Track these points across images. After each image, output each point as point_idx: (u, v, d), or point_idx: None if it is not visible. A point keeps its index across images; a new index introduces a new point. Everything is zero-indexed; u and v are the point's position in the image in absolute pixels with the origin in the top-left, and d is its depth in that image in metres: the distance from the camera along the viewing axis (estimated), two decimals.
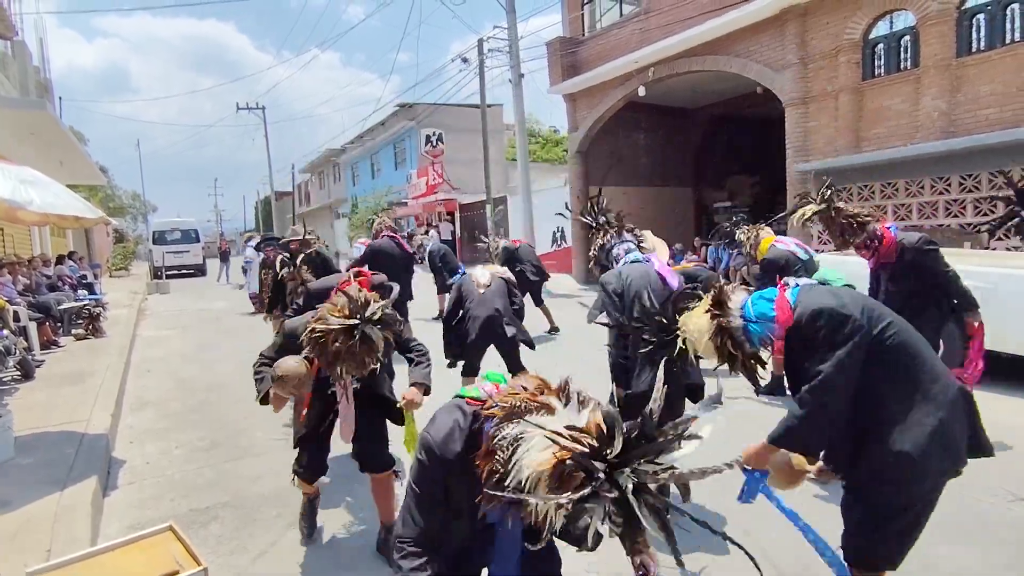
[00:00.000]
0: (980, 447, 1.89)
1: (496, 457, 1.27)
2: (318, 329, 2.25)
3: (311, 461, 2.89)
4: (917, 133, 8.34)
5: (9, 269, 8.17)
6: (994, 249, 7.18)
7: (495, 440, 1.30)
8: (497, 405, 1.37)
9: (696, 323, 2.06)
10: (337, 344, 2.22)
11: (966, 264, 5.29)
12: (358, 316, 2.27)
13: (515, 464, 1.22)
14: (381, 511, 2.90)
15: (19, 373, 6.06)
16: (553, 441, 1.17)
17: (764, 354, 2.05)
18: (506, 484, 1.22)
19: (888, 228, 3.66)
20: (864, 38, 8.88)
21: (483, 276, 4.58)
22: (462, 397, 1.54)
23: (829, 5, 9.10)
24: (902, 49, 8.60)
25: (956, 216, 8.16)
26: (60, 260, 12.09)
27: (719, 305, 2.02)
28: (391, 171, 27.86)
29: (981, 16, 7.80)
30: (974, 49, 7.87)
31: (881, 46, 8.83)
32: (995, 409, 4.02)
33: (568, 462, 1.15)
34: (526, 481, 1.18)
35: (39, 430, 4.39)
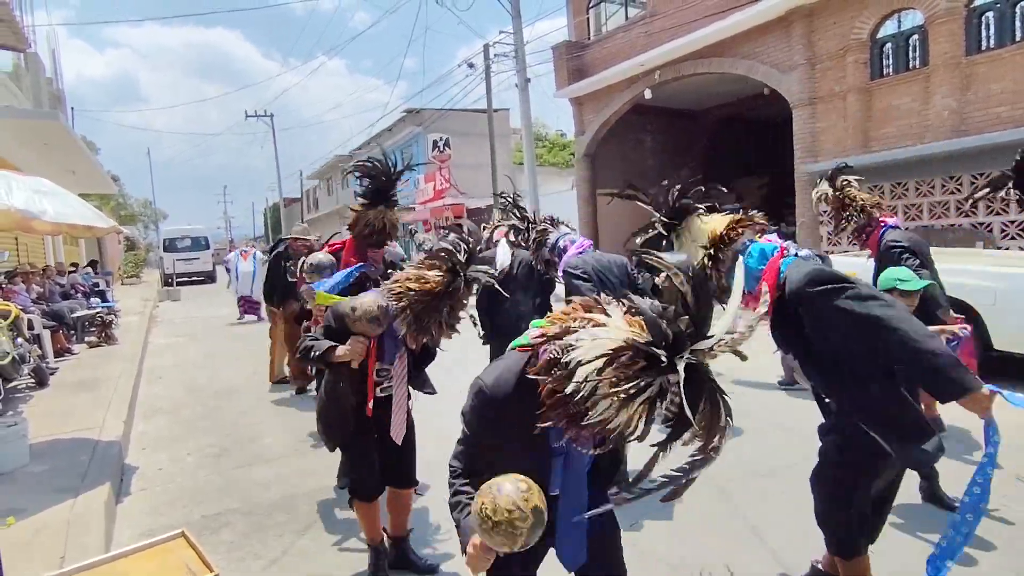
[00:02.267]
0: None
1: (554, 370, 1.27)
2: (413, 285, 2.10)
3: (366, 473, 2.60)
4: (927, 132, 8.27)
5: (23, 278, 8.29)
6: (1007, 249, 7.10)
7: (551, 354, 1.30)
8: (549, 332, 1.37)
9: (702, 229, 2.23)
10: (439, 291, 2.09)
11: (977, 264, 5.24)
12: (459, 262, 2.13)
13: (573, 367, 1.21)
14: (394, 524, 2.75)
15: (33, 380, 6.13)
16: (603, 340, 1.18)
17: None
18: (567, 392, 1.21)
19: (883, 223, 3.50)
20: (872, 38, 8.84)
21: (506, 255, 4.21)
22: (513, 348, 1.56)
23: (836, 5, 9.06)
24: (910, 48, 8.55)
25: (967, 215, 8.08)
26: (74, 268, 12.24)
27: (724, 236, 2.13)
28: None
29: (990, 14, 7.74)
30: (983, 47, 7.81)
31: (889, 45, 8.78)
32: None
33: (626, 353, 1.15)
34: (584, 381, 1.18)
35: (53, 437, 4.43)
